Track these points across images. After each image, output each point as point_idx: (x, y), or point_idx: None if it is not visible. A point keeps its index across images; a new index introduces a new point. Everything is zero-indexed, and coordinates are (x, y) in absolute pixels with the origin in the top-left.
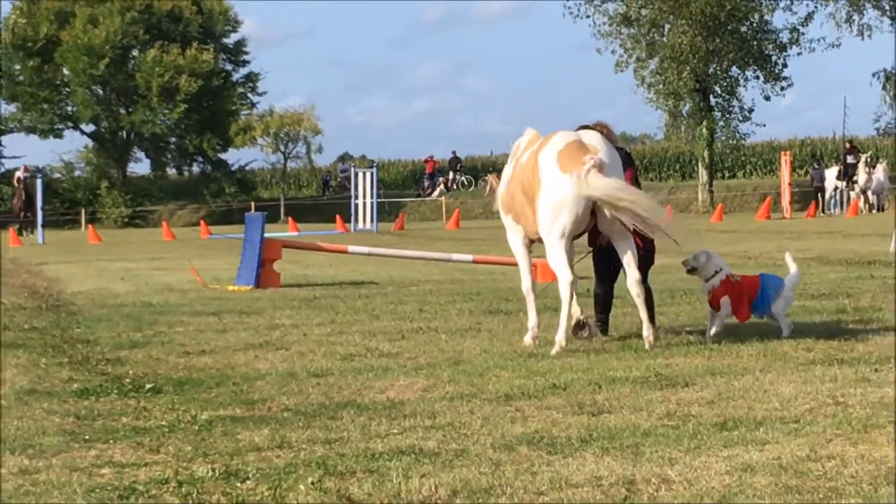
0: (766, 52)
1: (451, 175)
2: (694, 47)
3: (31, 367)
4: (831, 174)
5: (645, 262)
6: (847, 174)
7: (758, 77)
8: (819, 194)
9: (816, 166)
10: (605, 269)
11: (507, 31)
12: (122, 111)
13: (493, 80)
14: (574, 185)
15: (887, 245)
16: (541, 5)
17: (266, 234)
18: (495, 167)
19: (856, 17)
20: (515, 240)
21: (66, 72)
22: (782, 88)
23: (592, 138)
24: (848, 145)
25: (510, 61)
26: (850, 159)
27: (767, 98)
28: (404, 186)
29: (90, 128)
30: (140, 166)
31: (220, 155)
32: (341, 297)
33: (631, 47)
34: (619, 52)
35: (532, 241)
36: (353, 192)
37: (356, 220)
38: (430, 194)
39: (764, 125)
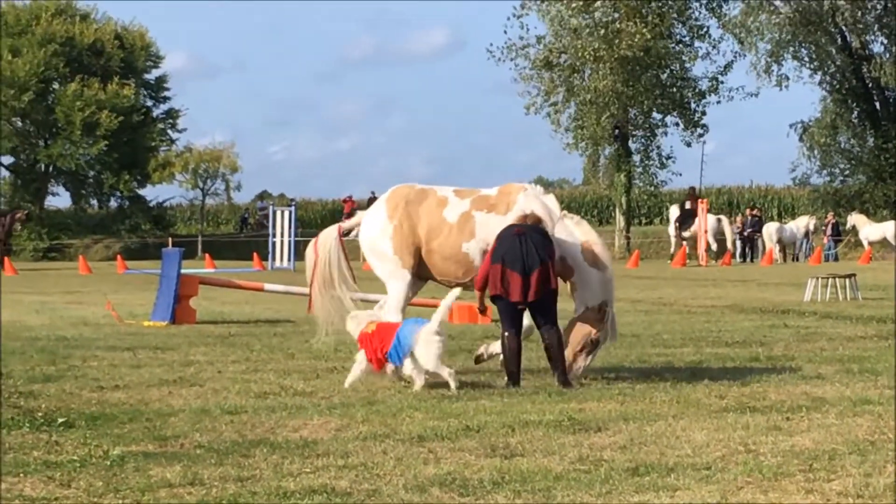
0: (686, 100)
1: None
2: (615, 92)
3: None
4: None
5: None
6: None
7: (677, 124)
8: (735, 242)
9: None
10: (510, 317)
11: (433, 70)
12: (41, 144)
13: (414, 120)
14: None
15: (801, 294)
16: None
17: (183, 271)
18: None
19: (775, 67)
20: None
21: None
22: (700, 136)
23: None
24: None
25: (432, 102)
26: (687, 205)
27: (689, 145)
28: (322, 225)
29: (7, 159)
30: (59, 200)
31: (138, 191)
32: (257, 335)
33: (548, 91)
34: (533, 93)
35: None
36: (271, 231)
37: (273, 259)
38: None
39: (680, 174)
